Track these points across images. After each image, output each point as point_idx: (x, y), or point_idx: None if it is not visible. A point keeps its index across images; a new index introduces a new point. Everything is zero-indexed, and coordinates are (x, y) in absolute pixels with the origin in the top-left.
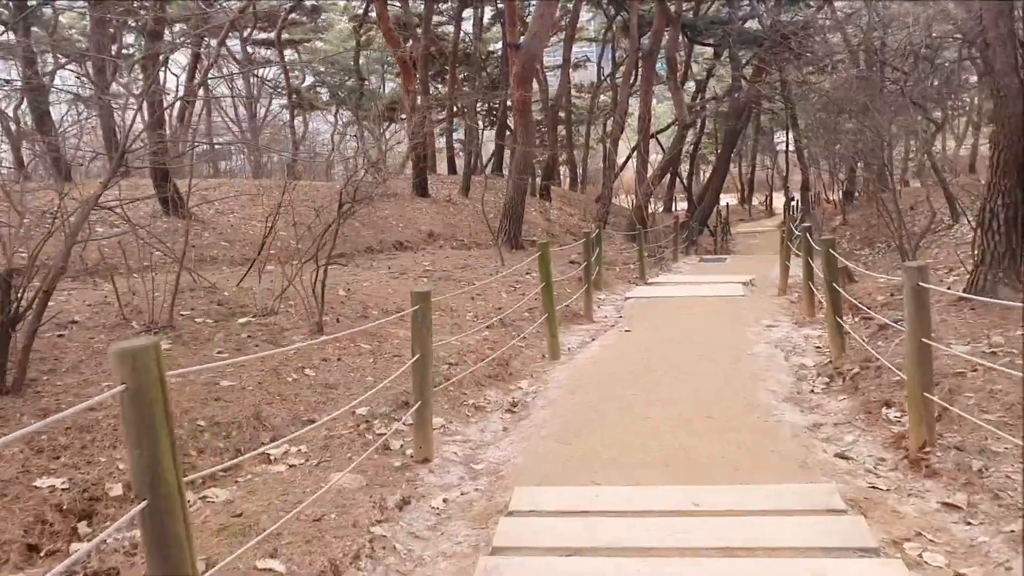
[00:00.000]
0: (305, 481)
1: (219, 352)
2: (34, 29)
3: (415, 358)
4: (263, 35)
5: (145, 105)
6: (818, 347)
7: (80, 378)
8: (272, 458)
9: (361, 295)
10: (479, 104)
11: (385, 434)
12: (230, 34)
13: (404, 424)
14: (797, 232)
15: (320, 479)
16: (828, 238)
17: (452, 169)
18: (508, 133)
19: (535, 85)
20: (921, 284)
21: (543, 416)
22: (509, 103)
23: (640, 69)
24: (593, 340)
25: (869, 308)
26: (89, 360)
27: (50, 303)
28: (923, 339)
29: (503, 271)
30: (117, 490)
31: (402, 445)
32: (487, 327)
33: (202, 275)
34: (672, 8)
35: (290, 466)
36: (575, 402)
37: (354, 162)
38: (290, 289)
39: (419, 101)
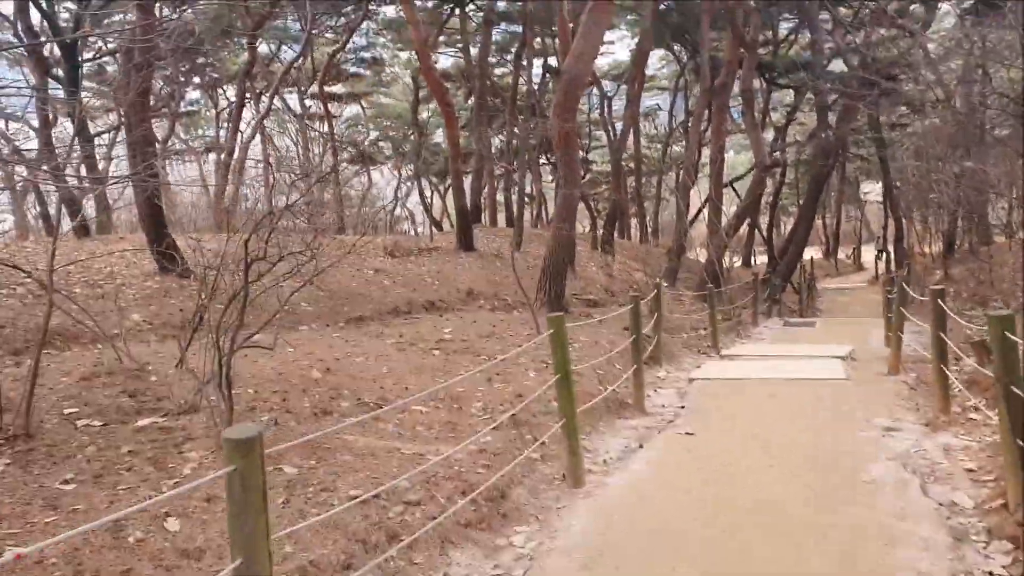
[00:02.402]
0: None
1: (64, 482)
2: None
3: (235, 565)
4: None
5: None
6: (970, 470)
7: None
8: None
9: (343, 375)
10: (543, 155)
11: None
12: (286, 88)
13: None
14: (917, 295)
15: None
16: (1003, 313)
17: (511, 222)
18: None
19: (604, 135)
20: None
21: None
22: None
23: (711, 106)
24: (640, 448)
25: None
26: None
27: None
28: None
29: (537, 340)
30: None
31: None
32: (493, 427)
33: (130, 355)
34: (748, 35)
35: None
36: None
37: (266, 199)
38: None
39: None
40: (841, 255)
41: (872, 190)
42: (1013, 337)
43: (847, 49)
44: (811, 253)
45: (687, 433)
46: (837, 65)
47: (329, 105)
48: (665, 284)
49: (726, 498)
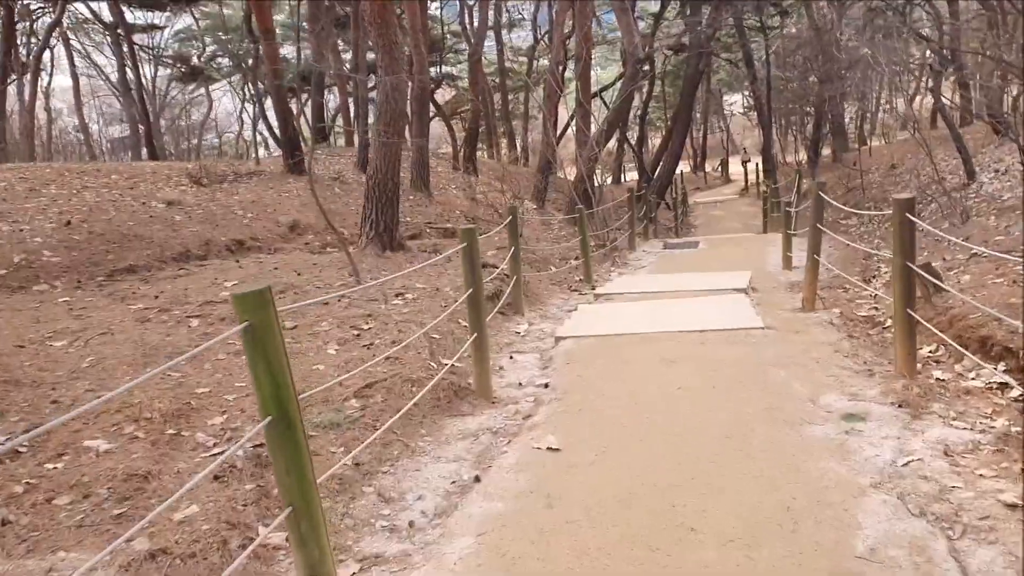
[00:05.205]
0: None
1: None
2: None
3: None
4: None
5: None
6: (1012, 505)
7: None
8: None
9: None
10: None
11: None
12: None
13: None
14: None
15: None
16: None
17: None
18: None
19: (466, 45)
20: None
21: None
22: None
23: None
24: (476, 483)
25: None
26: None
27: None
28: None
29: (356, 293)
30: None
31: None
32: (214, 476)
33: None
34: None
35: None
36: None
37: None
38: None
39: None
40: (709, 168)
41: (736, 101)
42: None
43: None
44: (680, 167)
45: (548, 448)
46: None
47: (152, 14)
48: (533, 206)
49: None
